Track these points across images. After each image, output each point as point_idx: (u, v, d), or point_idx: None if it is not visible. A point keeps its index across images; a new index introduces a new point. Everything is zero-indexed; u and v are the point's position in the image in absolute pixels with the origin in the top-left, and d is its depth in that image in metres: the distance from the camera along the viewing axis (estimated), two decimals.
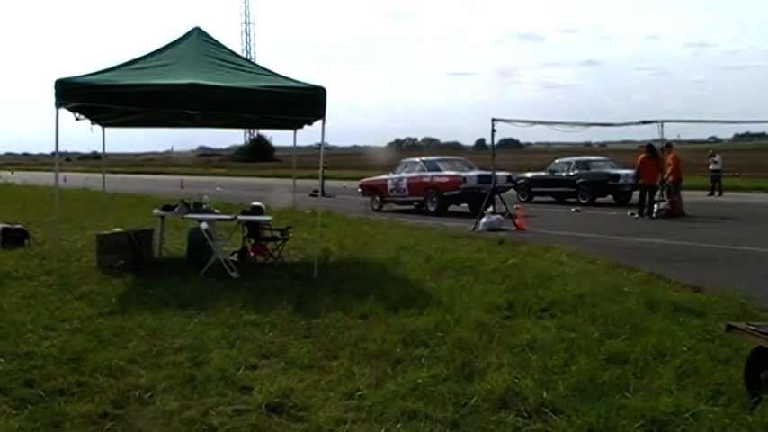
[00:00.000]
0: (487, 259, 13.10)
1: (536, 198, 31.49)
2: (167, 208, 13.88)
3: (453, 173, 25.84)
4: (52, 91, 11.29)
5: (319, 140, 12.85)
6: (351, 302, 9.36)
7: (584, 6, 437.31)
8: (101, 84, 11.48)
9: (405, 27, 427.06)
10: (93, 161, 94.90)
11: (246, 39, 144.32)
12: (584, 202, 29.14)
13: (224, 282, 11.22)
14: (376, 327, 8.32)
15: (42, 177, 51.81)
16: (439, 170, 26.38)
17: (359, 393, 6.20)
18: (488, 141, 21.91)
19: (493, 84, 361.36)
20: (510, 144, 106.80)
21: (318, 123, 12.27)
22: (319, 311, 9.04)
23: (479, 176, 25.20)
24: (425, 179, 26.34)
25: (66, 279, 11.40)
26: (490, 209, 20.55)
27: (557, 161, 32.13)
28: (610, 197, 29.40)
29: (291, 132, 15.97)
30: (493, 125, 20.31)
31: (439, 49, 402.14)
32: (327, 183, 33.37)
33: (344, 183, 42.72)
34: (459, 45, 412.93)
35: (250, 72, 12.65)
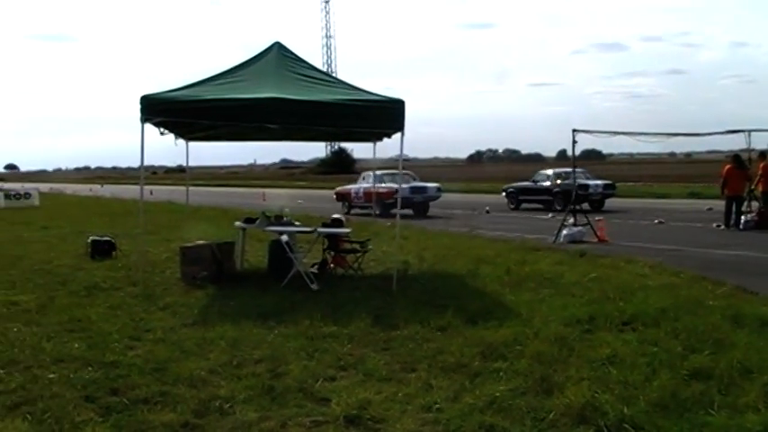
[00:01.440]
0: (568, 272, 12.96)
1: (523, 205, 35.15)
2: (249, 220, 14.09)
3: (391, 185, 29.99)
4: (138, 106, 11.59)
5: (399, 152, 12.90)
6: (429, 315, 9.35)
7: (668, 14, 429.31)
8: (184, 99, 11.74)
9: (485, 38, 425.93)
10: (178, 174, 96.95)
11: (327, 52, 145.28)
12: (558, 208, 31.24)
13: (304, 293, 11.32)
14: (454, 339, 8.29)
15: (130, 190, 53.16)
16: (383, 182, 30.56)
17: (436, 406, 6.18)
18: (570, 152, 21.80)
19: (574, 94, 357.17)
20: (592, 155, 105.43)
21: (398, 135, 12.33)
22: (398, 324, 9.05)
23: (411, 188, 31.71)
24: (373, 189, 30.31)
25: (151, 290, 11.66)
26: (571, 220, 20.34)
27: (540, 172, 36.02)
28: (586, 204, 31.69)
29: (372, 145, 16.07)
30: (574, 136, 20.07)
31: (519, 60, 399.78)
32: None
33: None
34: (540, 55, 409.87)
35: (329, 86, 12.77)
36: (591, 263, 14.22)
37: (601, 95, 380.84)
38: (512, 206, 35.40)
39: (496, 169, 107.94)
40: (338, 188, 36.65)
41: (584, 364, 7.27)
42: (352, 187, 34.49)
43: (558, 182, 33.53)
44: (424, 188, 32.54)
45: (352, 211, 32.46)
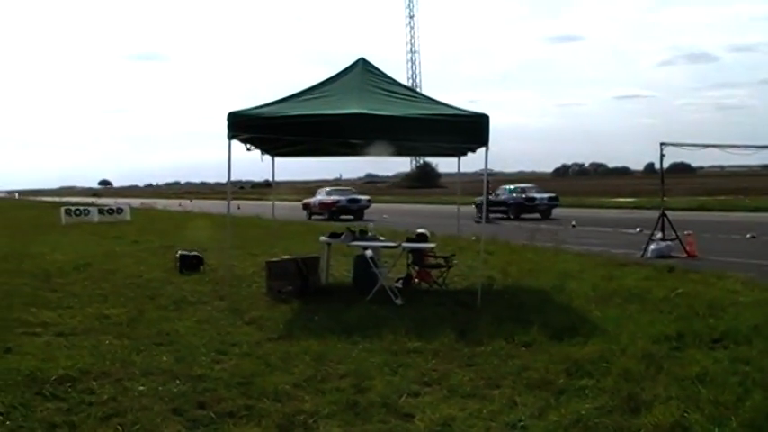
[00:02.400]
0: (656, 287, 12.69)
1: (490, 216, 38.74)
2: (334, 235, 14.18)
3: (334, 197, 44.21)
4: (225, 123, 11.79)
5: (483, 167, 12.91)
6: (514, 330, 9.25)
7: (758, 23, 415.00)
8: (269, 115, 11.90)
9: (570, 51, 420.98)
10: (265, 189, 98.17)
11: (412, 67, 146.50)
12: (512, 217, 40.27)
13: (388, 308, 11.31)
14: (539, 356, 8.20)
15: (218, 205, 53.97)
16: (331, 195, 44.51)
17: (521, 424, 6.11)
18: (657, 166, 21.46)
19: (662, 106, 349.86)
20: (680, 168, 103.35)
21: (482, 150, 12.28)
22: (482, 339, 8.97)
23: (349, 199, 44.09)
24: (323, 201, 44.33)
25: (237, 304, 11.81)
26: (659, 234, 19.92)
27: (500, 187, 43.98)
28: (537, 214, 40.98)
29: (456, 159, 16.05)
30: (662, 149, 19.72)
31: (605, 73, 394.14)
32: None
33: None
34: (627, 68, 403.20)
35: (413, 101, 12.78)
36: (679, 278, 13.92)
37: (690, 107, 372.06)
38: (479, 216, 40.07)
39: (582, 183, 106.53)
40: (304, 200, 47.75)
41: (672, 383, 7.09)
42: (312, 199, 46.06)
43: (515, 195, 41.87)
44: (359, 200, 44.60)
45: (313, 217, 43.30)
